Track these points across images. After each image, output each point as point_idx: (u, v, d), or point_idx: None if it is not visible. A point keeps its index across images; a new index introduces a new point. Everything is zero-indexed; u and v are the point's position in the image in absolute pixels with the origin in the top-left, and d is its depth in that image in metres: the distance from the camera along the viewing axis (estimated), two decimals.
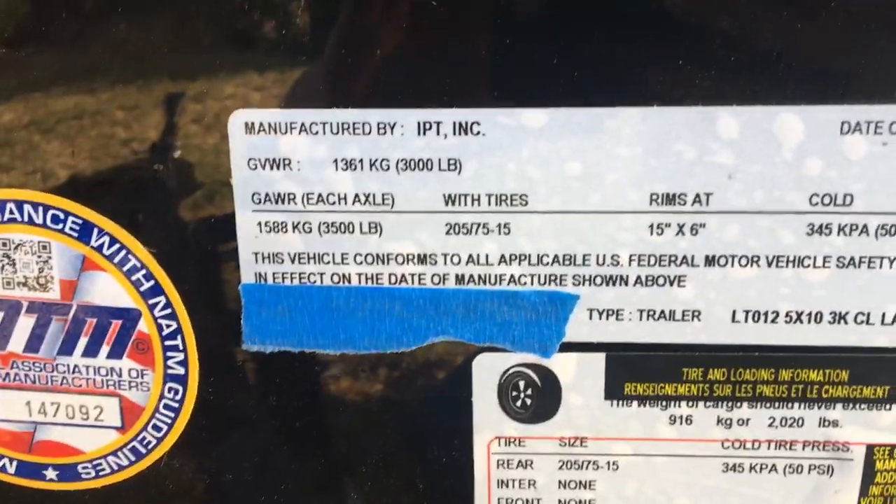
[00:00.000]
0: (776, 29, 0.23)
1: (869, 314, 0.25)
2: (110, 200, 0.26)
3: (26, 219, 0.26)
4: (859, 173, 0.24)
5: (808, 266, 0.25)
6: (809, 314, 0.25)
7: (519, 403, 0.27)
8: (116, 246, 0.26)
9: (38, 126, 0.26)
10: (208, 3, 0.25)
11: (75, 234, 0.26)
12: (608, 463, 0.28)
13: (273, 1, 0.24)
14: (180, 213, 0.26)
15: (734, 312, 0.26)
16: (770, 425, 0.27)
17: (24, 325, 0.27)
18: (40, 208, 0.26)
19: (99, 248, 0.26)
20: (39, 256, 0.26)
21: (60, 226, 0.26)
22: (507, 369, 0.27)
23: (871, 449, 0.27)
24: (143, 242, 0.26)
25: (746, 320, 0.26)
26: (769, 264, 0.25)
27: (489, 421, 0.28)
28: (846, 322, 0.25)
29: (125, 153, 0.26)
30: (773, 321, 0.25)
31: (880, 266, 0.25)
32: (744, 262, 0.25)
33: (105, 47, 0.25)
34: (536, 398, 0.27)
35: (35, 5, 0.25)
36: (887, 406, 0.26)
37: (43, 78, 0.26)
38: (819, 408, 0.26)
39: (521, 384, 0.27)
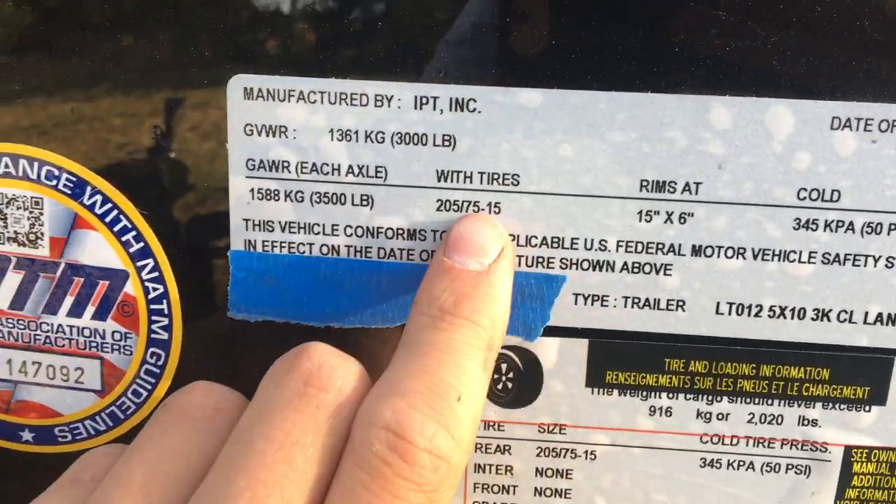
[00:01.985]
0: (771, 22, 0.23)
1: (852, 313, 0.25)
2: (106, 160, 0.27)
3: (20, 173, 0.26)
4: (848, 170, 0.24)
5: (794, 261, 0.25)
6: (793, 310, 0.25)
7: (500, 386, 0.27)
8: (109, 205, 0.26)
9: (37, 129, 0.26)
10: (212, 18, 0.25)
11: (68, 192, 0.26)
12: (586, 452, 0.28)
13: (277, 17, 0.25)
14: (174, 177, 0.26)
15: (718, 304, 0.26)
16: (749, 421, 0.27)
17: (11, 281, 0.27)
18: (35, 163, 0.26)
19: (91, 207, 0.26)
20: (31, 212, 0.27)
21: (54, 182, 0.26)
22: None
23: (849, 450, 0.27)
24: (135, 204, 0.26)
25: (730, 312, 0.26)
26: (755, 257, 0.25)
27: None
28: (829, 319, 0.25)
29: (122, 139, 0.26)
30: (756, 315, 0.26)
31: (865, 264, 0.25)
32: (730, 253, 0.25)
33: (107, 57, 0.26)
34: (518, 382, 0.27)
35: (39, 15, 0.25)
36: (867, 407, 0.26)
37: (44, 85, 0.26)
38: (799, 406, 0.27)
39: (504, 367, 0.27)
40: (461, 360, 0.22)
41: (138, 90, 0.26)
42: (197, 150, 0.26)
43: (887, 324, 0.25)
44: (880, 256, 0.25)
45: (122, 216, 0.26)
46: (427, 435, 0.20)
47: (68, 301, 0.27)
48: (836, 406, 0.26)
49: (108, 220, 0.26)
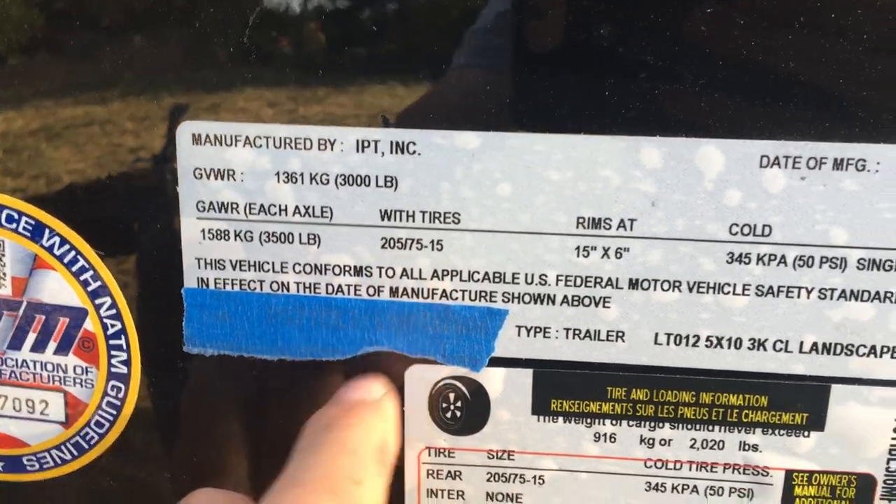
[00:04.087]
0: (699, 64, 0.24)
1: (787, 342, 0.26)
2: (62, 204, 0.27)
3: None
4: (778, 206, 0.25)
5: (728, 293, 0.26)
6: (729, 339, 0.26)
7: (449, 415, 0.28)
8: (66, 247, 0.27)
9: (46, 133, 0.27)
10: (222, 18, 0.25)
11: (28, 234, 0.27)
12: (534, 477, 0.28)
13: (287, 18, 0.25)
14: (127, 217, 0.27)
15: (657, 334, 0.26)
16: (692, 446, 0.28)
17: None
18: None
19: (50, 248, 0.27)
20: None
21: (14, 225, 0.27)
22: (439, 381, 0.28)
23: (790, 474, 0.27)
24: (91, 244, 0.27)
25: (668, 343, 0.26)
26: (690, 290, 0.26)
27: (420, 431, 0.28)
28: (765, 349, 0.26)
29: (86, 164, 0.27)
30: (693, 345, 0.26)
31: (798, 296, 0.26)
32: (666, 286, 0.26)
33: (118, 59, 0.26)
34: (466, 410, 0.28)
35: (49, 16, 0.26)
36: (806, 433, 0.27)
37: (54, 87, 0.27)
38: (739, 431, 0.27)
39: (452, 396, 0.28)
40: (357, 449, 0.23)
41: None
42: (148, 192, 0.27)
43: (822, 353, 0.26)
44: (813, 288, 0.25)
45: (79, 256, 0.27)
46: None
47: (31, 337, 0.28)
48: (776, 432, 0.27)
49: (66, 260, 0.27)
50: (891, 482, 0.27)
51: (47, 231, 0.27)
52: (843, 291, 0.25)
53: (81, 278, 0.28)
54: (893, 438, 0.27)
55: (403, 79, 0.25)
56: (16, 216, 0.27)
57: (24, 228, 0.27)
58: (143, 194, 0.27)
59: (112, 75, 0.26)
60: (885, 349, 0.26)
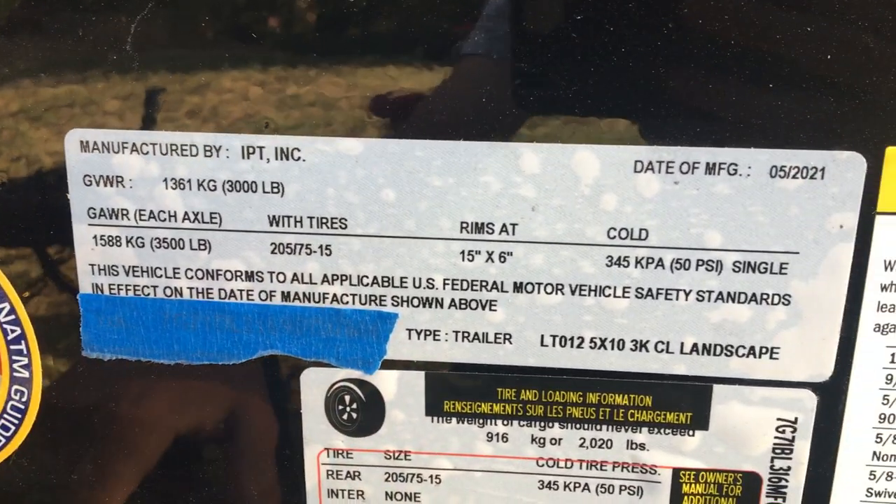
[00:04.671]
0: (572, 71, 0.24)
1: (668, 343, 0.26)
2: None
3: None
4: (653, 210, 0.25)
5: (609, 296, 0.26)
6: (612, 341, 0.27)
7: (345, 417, 0.29)
8: None
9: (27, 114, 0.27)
10: None
11: None
12: (431, 476, 0.29)
13: None
14: (23, 223, 0.28)
15: (542, 336, 0.27)
16: (581, 445, 0.28)
17: None
18: None
19: None
20: None
21: None
22: (334, 384, 0.28)
23: (677, 472, 0.28)
24: None
25: (554, 344, 0.27)
26: (573, 292, 0.26)
27: (318, 433, 0.29)
28: (647, 350, 0.27)
29: None
30: (578, 346, 0.27)
31: (676, 298, 0.26)
32: (549, 289, 0.26)
33: (102, 37, 0.26)
34: (361, 412, 0.28)
35: None
36: (690, 432, 0.27)
37: (34, 67, 0.26)
38: (626, 431, 0.28)
39: (347, 398, 0.28)
40: None
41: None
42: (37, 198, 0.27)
43: (703, 353, 0.26)
44: (691, 290, 0.26)
45: None
46: None
47: None
48: (662, 431, 0.28)
49: None
50: (775, 480, 0.28)
51: None
52: (721, 293, 0.26)
53: None
54: (776, 437, 0.27)
55: (396, 59, 0.25)
56: None
57: None
58: (38, 199, 0.27)
59: (95, 54, 0.26)
60: (764, 350, 0.26)
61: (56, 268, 0.28)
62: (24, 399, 0.29)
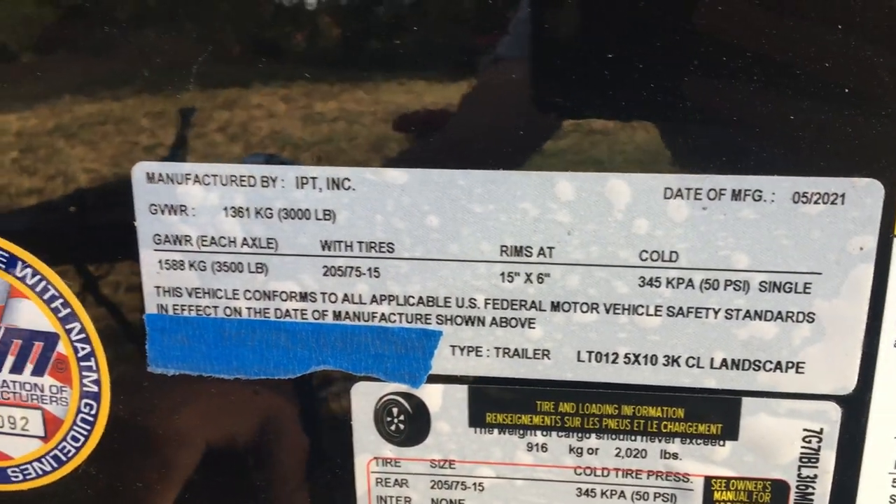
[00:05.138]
0: (603, 106, 0.26)
1: (699, 359, 0.28)
2: (33, 237, 0.30)
3: None
4: (683, 233, 0.27)
5: (643, 314, 0.28)
6: (646, 356, 0.28)
7: (393, 428, 0.30)
8: (38, 277, 0.30)
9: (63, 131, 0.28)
10: (237, 14, 0.27)
11: (3, 266, 0.30)
12: (474, 484, 0.31)
13: (302, 13, 0.27)
14: (92, 249, 0.30)
15: (579, 353, 0.28)
16: (617, 455, 0.30)
17: None
18: None
19: (23, 279, 0.30)
20: None
21: None
22: (382, 397, 0.30)
23: (708, 480, 0.29)
24: (60, 275, 0.30)
25: (590, 360, 0.28)
26: (607, 311, 0.28)
27: (367, 443, 0.31)
28: (679, 365, 0.28)
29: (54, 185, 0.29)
30: (613, 361, 0.28)
31: (706, 316, 0.27)
32: (585, 308, 0.28)
33: (133, 55, 0.27)
34: (408, 423, 0.30)
35: (64, 13, 0.28)
36: (721, 442, 0.29)
37: (69, 84, 0.28)
38: (659, 441, 0.29)
39: (395, 410, 0.30)
40: None
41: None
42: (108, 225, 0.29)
43: (732, 368, 0.28)
44: (720, 309, 0.27)
45: (49, 286, 0.30)
46: None
47: (10, 360, 0.31)
48: (693, 441, 0.29)
49: (38, 289, 0.30)
50: (802, 487, 0.29)
51: (20, 263, 0.30)
52: (748, 312, 0.27)
53: (52, 306, 0.30)
54: (803, 447, 0.29)
55: (420, 75, 0.26)
56: None
57: (0, 260, 0.30)
58: (103, 227, 0.30)
59: (127, 72, 0.27)
60: (790, 364, 0.28)
61: (123, 290, 0.30)
62: (93, 412, 0.31)
